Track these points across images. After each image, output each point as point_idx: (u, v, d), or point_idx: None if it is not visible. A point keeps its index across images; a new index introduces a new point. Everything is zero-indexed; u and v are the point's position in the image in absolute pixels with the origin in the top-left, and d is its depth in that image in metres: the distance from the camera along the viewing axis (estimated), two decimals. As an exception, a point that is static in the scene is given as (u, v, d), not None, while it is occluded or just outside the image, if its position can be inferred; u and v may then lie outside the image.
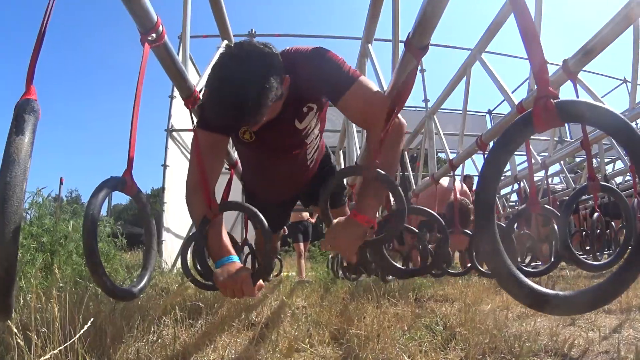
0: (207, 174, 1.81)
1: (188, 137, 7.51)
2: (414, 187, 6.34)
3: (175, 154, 7.34)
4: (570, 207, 2.69)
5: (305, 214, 8.80)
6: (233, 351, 1.98)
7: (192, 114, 2.09)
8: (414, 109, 9.65)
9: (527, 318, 2.62)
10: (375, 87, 1.80)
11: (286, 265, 7.96)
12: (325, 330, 2.19)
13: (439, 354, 1.93)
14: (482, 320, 2.38)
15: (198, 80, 2.57)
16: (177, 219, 7.33)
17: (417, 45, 1.63)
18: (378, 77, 2.81)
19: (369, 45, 3.34)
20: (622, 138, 0.89)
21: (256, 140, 2.08)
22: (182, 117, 7.07)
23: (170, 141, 7.23)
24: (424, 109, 8.54)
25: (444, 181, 5.64)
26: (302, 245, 8.43)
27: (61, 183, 5.85)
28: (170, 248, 7.05)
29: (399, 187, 1.70)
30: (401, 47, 1.75)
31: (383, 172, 1.66)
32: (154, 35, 1.76)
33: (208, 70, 2.62)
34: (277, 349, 1.97)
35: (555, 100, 0.92)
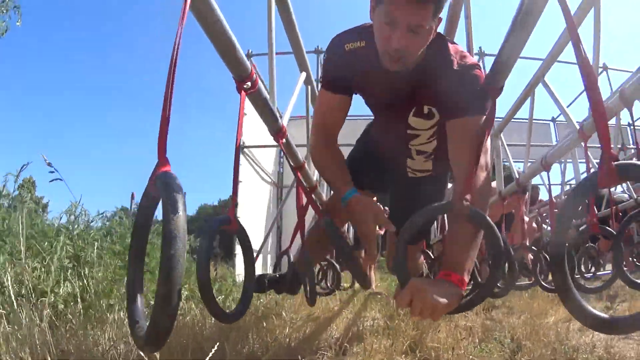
0: (329, 130, 1.98)
1: (259, 154, 7.75)
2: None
3: (247, 170, 7.55)
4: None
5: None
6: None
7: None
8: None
9: (587, 330, 2.69)
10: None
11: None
12: (404, 342, 2.32)
13: (506, 365, 2.05)
14: (546, 333, 2.49)
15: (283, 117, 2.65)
16: (248, 233, 7.42)
17: (493, 85, 1.67)
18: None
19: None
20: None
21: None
22: (253, 133, 7.23)
23: (242, 157, 7.36)
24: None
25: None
26: (371, 256, 8.39)
27: (132, 198, 6.02)
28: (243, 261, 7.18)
29: (497, 231, 1.43)
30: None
31: (477, 210, 1.44)
32: (249, 83, 1.85)
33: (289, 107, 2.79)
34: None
35: (615, 163, 1.05)
